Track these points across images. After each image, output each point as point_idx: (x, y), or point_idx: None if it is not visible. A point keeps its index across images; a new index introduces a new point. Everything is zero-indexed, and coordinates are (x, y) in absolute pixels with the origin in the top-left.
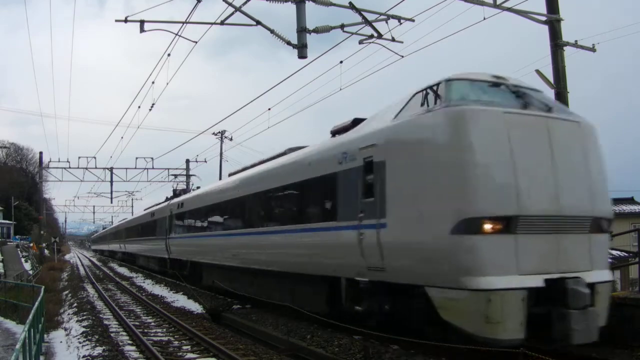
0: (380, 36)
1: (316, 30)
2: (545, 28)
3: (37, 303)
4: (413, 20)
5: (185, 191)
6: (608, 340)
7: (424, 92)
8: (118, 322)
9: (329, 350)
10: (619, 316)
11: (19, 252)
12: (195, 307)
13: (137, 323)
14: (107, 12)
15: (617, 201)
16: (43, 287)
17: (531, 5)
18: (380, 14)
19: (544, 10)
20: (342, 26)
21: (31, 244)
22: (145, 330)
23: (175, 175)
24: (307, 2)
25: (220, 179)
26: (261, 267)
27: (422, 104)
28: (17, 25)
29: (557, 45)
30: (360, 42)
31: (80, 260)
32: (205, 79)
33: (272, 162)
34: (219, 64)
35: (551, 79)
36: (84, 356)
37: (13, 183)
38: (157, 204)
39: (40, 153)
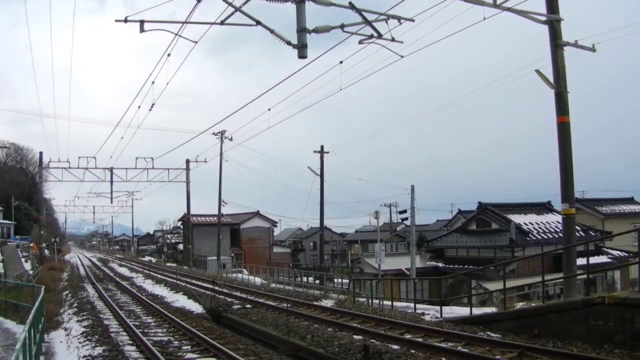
0: (380, 36)
1: (316, 30)
2: (545, 28)
3: (37, 303)
4: (413, 20)
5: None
6: (608, 340)
7: None
8: (118, 322)
9: (329, 350)
10: (619, 316)
11: (19, 252)
12: (195, 307)
13: (137, 323)
14: (108, 10)
15: (617, 201)
16: (43, 287)
17: (531, 5)
18: (380, 14)
19: (544, 10)
20: (342, 26)
21: (31, 244)
22: (146, 330)
23: None
24: (307, 2)
25: (220, 179)
26: None
27: None
28: (17, 23)
29: (556, 45)
30: (360, 42)
31: (80, 261)
32: (206, 77)
33: None
34: (221, 61)
35: (551, 79)
36: (84, 356)
37: (13, 183)
38: None
39: (40, 153)
